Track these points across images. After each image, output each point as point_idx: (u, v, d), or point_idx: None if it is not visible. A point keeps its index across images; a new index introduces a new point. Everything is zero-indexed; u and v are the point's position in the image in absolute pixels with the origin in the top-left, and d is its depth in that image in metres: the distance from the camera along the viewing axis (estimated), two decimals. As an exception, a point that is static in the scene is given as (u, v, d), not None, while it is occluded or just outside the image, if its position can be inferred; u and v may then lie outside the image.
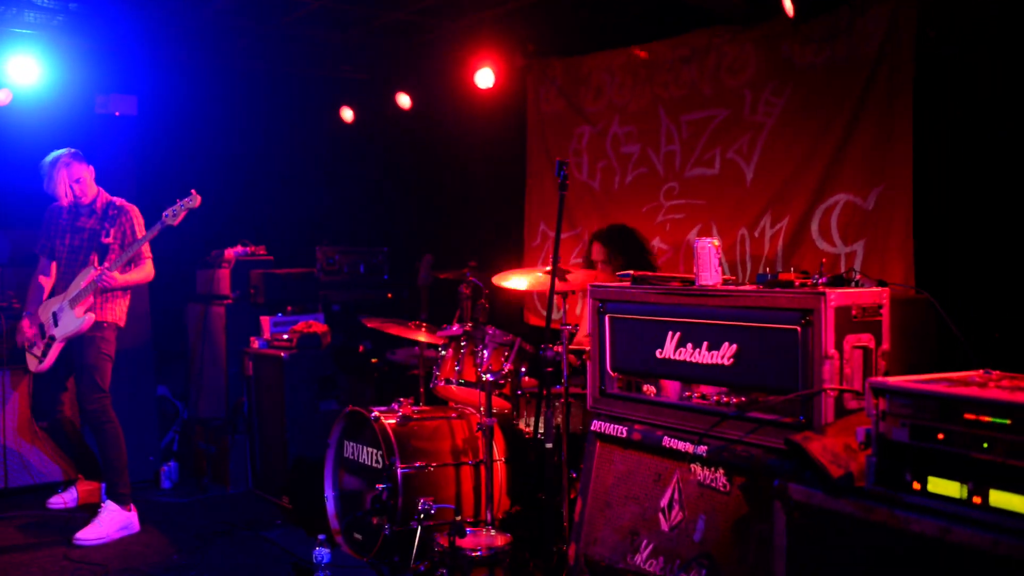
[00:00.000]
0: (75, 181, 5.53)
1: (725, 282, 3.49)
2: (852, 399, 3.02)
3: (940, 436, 2.46)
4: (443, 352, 5.02)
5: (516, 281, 4.99)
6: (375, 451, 4.88)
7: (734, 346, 3.26)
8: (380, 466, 4.80)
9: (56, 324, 5.47)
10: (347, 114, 7.78)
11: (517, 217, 6.90)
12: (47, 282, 5.69)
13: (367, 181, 8.37)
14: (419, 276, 6.68)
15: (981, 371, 2.78)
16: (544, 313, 6.47)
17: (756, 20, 5.26)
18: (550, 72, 6.57)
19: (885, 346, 3.13)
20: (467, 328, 4.91)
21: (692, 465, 3.35)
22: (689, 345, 3.42)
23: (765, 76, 5.28)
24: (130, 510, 5.47)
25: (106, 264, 5.44)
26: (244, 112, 7.74)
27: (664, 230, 5.82)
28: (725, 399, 3.31)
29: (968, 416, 2.40)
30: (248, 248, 6.87)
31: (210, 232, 6.89)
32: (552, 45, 6.55)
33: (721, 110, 5.51)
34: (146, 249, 5.61)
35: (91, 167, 5.63)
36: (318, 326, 6.34)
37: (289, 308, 6.61)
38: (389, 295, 7.52)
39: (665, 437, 3.45)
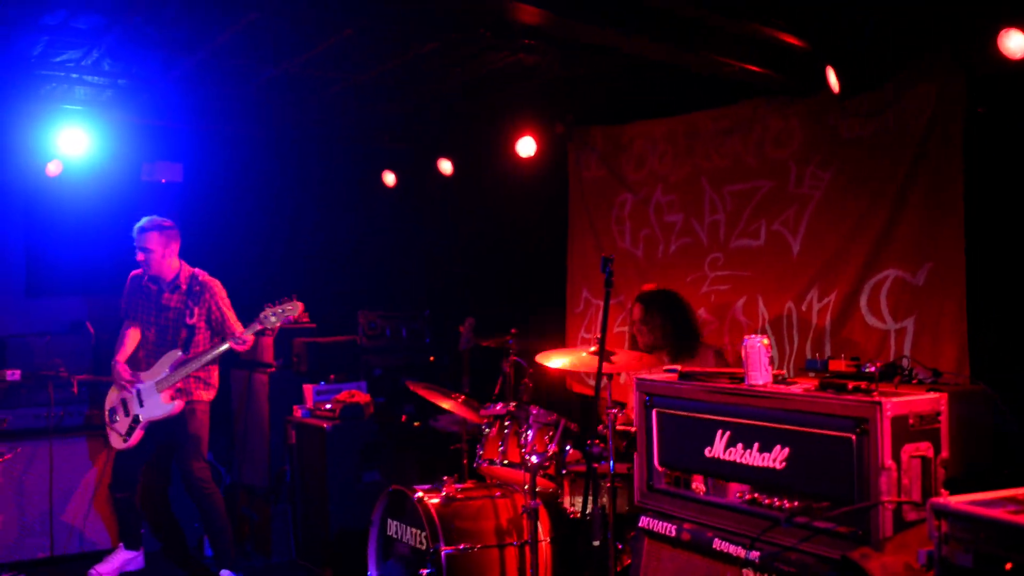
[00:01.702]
0: (169, 254, 5.67)
1: (775, 379, 3.43)
2: (911, 510, 2.94)
3: (1008, 566, 2.37)
4: (487, 431, 4.98)
5: (559, 360, 4.93)
6: (418, 532, 4.84)
7: (786, 449, 3.20)
8: (424, 547, 4.76)
9: (141, 405, 5.56)
10: (389, 179, 7.82)
11: (559, 282, 6.87)
12: (135, 338, 5.81)
13: (409, 245, 8.40)
14: (461, 340, 6.66)
15: (1049, 486, 2.69)
16: (587, 383, 6.47)
17: (800, 93, 5.21)
18: (591, 140, 6.57)
19: (944, 454, 3.05)
20: (511, 408, 4.87)
21: (744, 570, 3.28)
22: (739, 445, 3.36)
23: (811, 149, 5.22)
24: (240, 574, 5.64)
25: (195, 348, 5.60)
26: (286, 178, 7.82)
27: (709, 301, 5.76)
28: (777, 503, 3.24)
29: (1037, 548, 2.32)
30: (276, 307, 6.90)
31: (253, 299, 6.92)
32: (593, 114, 6.55)
33: (766, 182, 5.46)
34: (233, 317, 5.74)
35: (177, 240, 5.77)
36: (361, 395, 6.33)
37: (332, 376, 6.62)
38: (431, 359, 7.50)
39: (716, 539, 3.39)
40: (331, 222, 8.14)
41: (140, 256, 5.69)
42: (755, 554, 3.23)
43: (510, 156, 6.69)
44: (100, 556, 5.99)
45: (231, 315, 5.75)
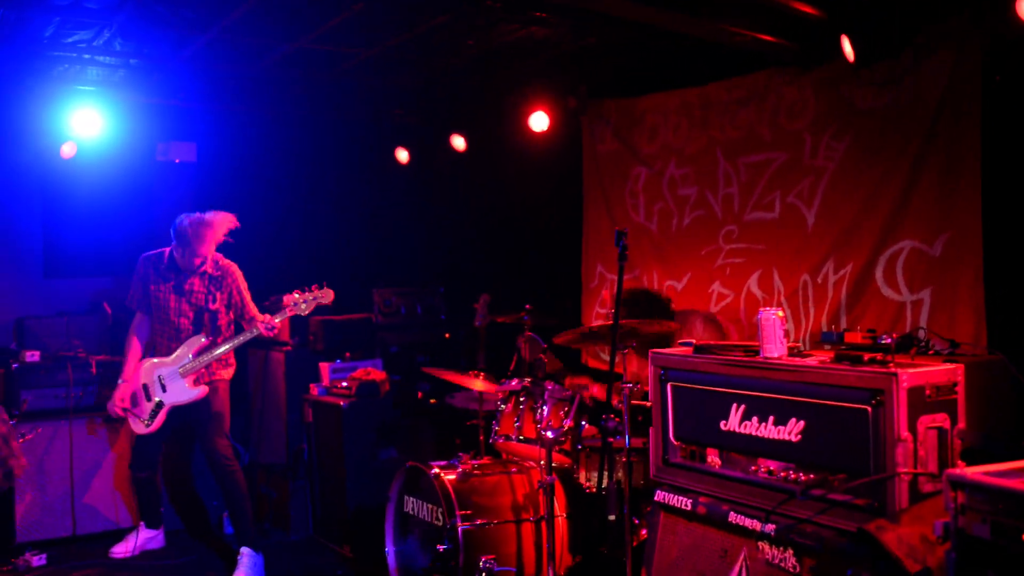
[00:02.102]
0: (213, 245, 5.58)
1: (791, 351, 3.41)
2: (927, 482, 2.92)
3: (1024, 537, 2.36)
4: (502, 407, 4.99)
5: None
6: (435, 508, 4.86)
7: (801, 422, 3.19)
8: (440, 523, 4.78)
9: (164, 390, 5.56)
10: (402, 155, 7.80)
11: (574, 257, 6.86)
12: (144, 339, 5.75)
13: (423, 221, 8.40)
14: (476, 317, 6.66)
15: (1066, 456, 2.67)
16: (602, 358, 6.46)
17: (814, 63, 5.16)
18: (605, 114, 6.53)
19: (961, 424, 3.03)
20: (526, 384, 4.88)
21: (760, 543, 3.28)
22: (755, 418, 3.35)
23: (825, 119, 5.17)
24: (259, 552, 5.61)
25: (266, 316, 5.54)
26: (300, 156, 7.82)
27: (724, 274, 5.73)
28: (793, 476, 3.23)
29: (1054, 518, 2.31)
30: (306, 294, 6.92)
31: (268, 277, 6.94)
32: (606, 87, 6.51)
33: (780, 153, 5.41)
34: (250, 299, 5.75)
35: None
36: (376, 373, 6.35)
37: (348, 354, 6.64)
38: (447, 336, 7.51)
39: (731, 512, 3.38)
40: (345, 199, 8.15)
41: (205, 250, 5.56)
42: (771, 527, 3.23)
43: (523, 131, 6.66)
44: (121, 535, 6.05)
45: (248, 297, 5.76)
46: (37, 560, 5.67)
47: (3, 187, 6.92)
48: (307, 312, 5.59)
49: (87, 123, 6.45)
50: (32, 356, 6.19)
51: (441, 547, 4.67)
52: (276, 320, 5.54)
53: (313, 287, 5.63)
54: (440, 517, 4.78)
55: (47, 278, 7.08)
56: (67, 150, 6.67)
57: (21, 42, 5.58)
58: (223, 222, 5.62)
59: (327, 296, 5.61)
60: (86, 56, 5.94)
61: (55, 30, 5.48)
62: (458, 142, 7.33)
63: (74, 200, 7.04)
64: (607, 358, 6.36)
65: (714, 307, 5.75)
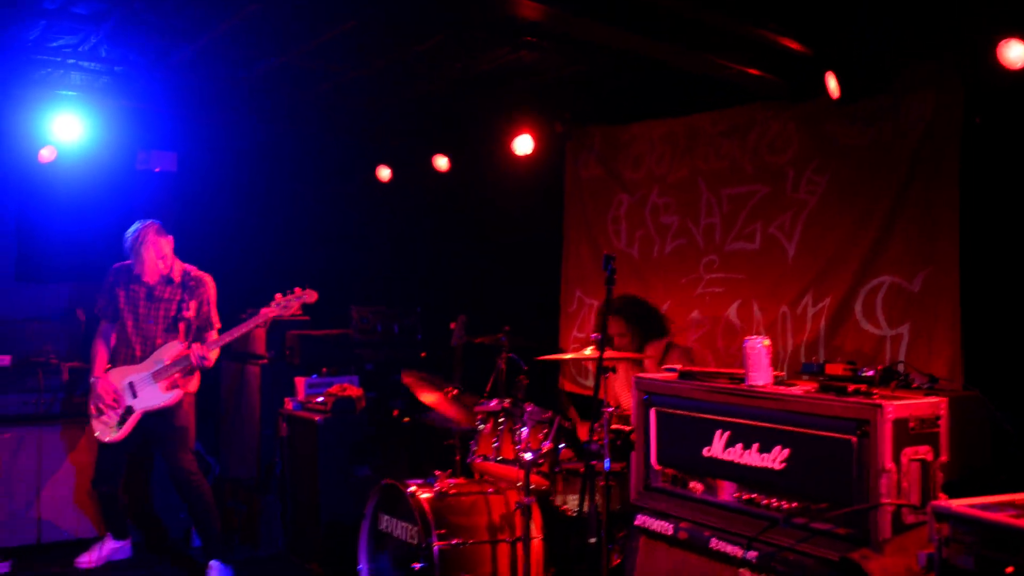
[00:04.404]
0: (161, 257, 5.52)
1: (776, 380, 3.45)
2: (910, 513, 2.96)
3: (1009, 569, 2.40)
4: (481, 427, 4.99)
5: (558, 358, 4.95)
6: (411, 526, 4.83)
7: (786, 451, 3.22)
8: (416, 542, 4.75)
9: (135, 396, 5.47)
10: (384, 173, 7.80)
11: (553, 281, 6.88)
12: (109, 347, 5.65)
13: (403, 240, 8.39)
14: (453, 336, 6.66)
15: (1047, 491, 2.72)
16: (579, 382, 6.49)
17: (799, 98, 5.24)
18: (589, 140, 6.58)
19: (943, 457, 3.08)
20: (505, 405, 4.88)
21: (741, 570, 3.30)
22: (739, 445, 3.38)
23: (808, 154, 5.25)
24: (229, 565, 5.57)
25: (197, 345, 5.47)
26: (281, 170, 7.80)
27: (703, 303, 5.78)
28: (776, 503, 3.26)
29: (1038, 552, 2.35)
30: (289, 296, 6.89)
31: (246, 291, 6.90)
32: (591, 113, 6.56)
33: (762, 186, 5.48)
34: (215, 312, 5.73)
35: (171, 237, 5.63)
36: (353, 389, 6.32)
37: (324, 369, 6.60)
38: (423, 355, 7.49)
39: (713, 539, 3.40)
40: (325, 215, 8.13)
41: (150, 265, 5.51)
42: (753, 554, 3.25)
43: (507, 154, 6.70)
44: (87, 544, 5.95)
45: (215, 311, 5.73)
46: (2, 567, 5.57)
47: (-22, 190, 6.86)
48: (291, 311, 5.58)
49: (68, 128, 6.40)
50: (2, 360, 6.10)
51: (416, 566, 4.65)
52: (212, 354, 5.49)
53: (296, 288, 5.64)
54: (416, 536, 4.75)
55: (19, 282, 6.99)
56: (46, 154, 6.60)
57: (4, 45, 5.53)
58: (159, 236, 5.55)
59: (310, 295, 5.63)
60: (70, 61, 5.90)
61: (40, 33, 5.44)
62: (441, 162, 7.35)
63: (51, 205, 6.96)
64: (584, 382, 6.43)
65: (693, 335, 5.79)
